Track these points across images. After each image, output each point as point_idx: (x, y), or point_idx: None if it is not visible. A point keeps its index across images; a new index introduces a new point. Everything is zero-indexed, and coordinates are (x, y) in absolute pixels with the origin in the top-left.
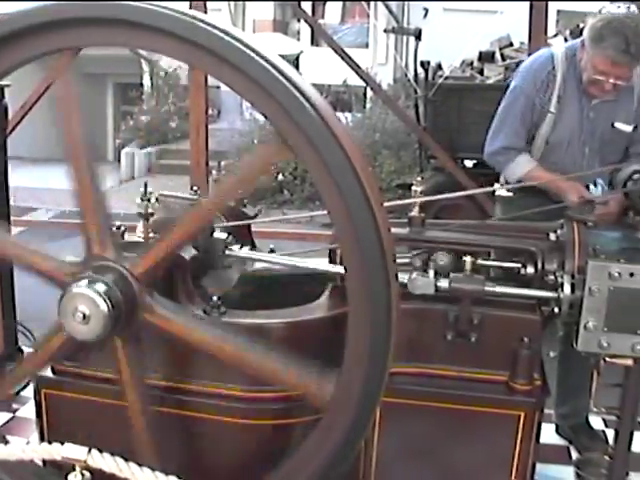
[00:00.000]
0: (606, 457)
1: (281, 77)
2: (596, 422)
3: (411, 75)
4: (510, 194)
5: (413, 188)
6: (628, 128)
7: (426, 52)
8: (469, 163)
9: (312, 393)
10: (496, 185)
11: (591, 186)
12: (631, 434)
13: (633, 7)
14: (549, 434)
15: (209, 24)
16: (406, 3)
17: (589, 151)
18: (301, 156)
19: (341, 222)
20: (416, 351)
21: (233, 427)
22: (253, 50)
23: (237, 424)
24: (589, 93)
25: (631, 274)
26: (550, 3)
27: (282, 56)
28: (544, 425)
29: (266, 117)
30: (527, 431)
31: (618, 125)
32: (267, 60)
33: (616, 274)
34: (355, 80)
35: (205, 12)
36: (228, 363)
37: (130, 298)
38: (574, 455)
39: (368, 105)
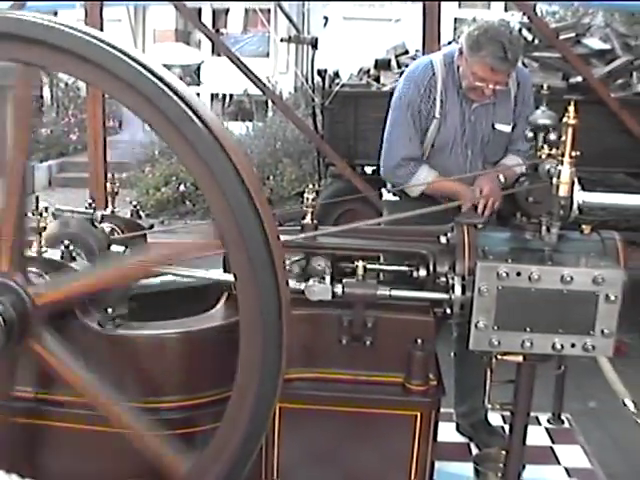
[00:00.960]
0: (504, 452)
1: (167, 89)
2: (495, 419)
3: (309, 83)
4: (396, 198)
5: (305, 196)
6: (507, 128)
7: (326, 60)
8: (369, 169)
9: (167, 465)
10: (383, 190)
11: None
12: (525, 428)
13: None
14: (450, 432)
15: (95, 37)
16: (307, 12)
17: (472, 153)
18: (187, 167)
19: (228, 230)
20: (312, 356)
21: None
22: (135, 60)
23: None
24: (469, 98)
25: (518, 273)
26: (447, 11)
27: (184, 66)
28: (445, 424)
29: (152, 128)
30: (424, 431)
31: (498, 126)
32: (153, 73)
33: (504, 274)
34: (256, 89)
35: (101, 23)
36: (97, 409)
37: (23, 323)
38: (475, 452)
39: (270, 114)
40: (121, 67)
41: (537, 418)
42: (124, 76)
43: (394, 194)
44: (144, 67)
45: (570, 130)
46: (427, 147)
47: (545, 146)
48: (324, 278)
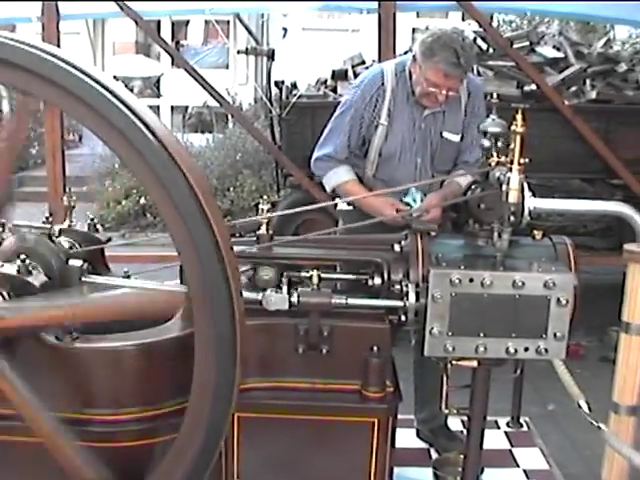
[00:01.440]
0: (462, 456)
1: (119, 103)
2: (455, 424)
3: (267, 95)
4: (350, 207)
5: (260, 207)
6: (456, 137)
7: (285, 71)
8: None
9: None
10: (337, 199)
11: (409, 196)
12: (482, 432)
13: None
14: (411, 438)
15: (46, 52)
16: (266, 23)
17: (421, 162)
18: (141, 181)
19: (181, 241)
20: (269, 366)
21: (94, 452)
22: (86, 74)
23: (98, 448)
24: (421, 104)
25: (471, 280)
26: (405, 21)
27: (144, 78)
28: (406, 430)
29: (105, 142)
30: (382, 436)
31: (446, 135)
32: (104, 86)
33: (457, 280)
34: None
35: (58, 36)
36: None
37: None
38: (434, 456)
39: (230, 125)
40: (69, 79)
41: (496, 422)
42: (73, 89)
43: (348, 203)
44: (90, 77)
45: (518, 138)
46: (375, 157)
47: (495, 154)
48: (281, 288)
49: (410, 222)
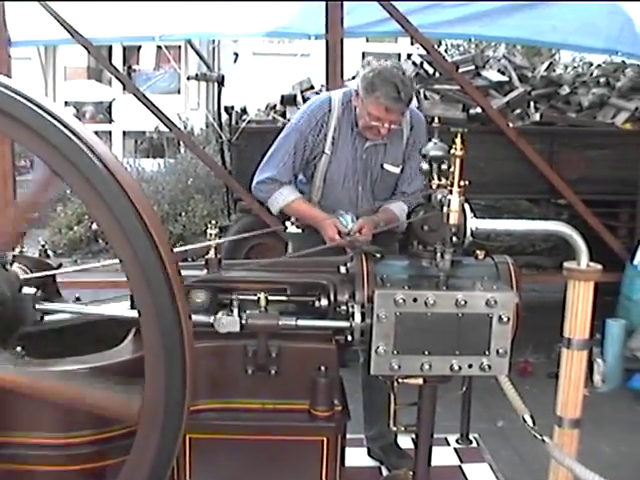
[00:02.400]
0: (411, 472)
1: (64, 128)
2: (405, 442)
3: (217, 120)
4: (299, 230)
5: (208, 232)
6: (396, 170)
7: (236, 96)
8: None
9: (121, 410)
10: (288, 223)
11: (342, 218)
12: (430, 448)
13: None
14: (362, 457)
15: None
16: (217, 48)
17: (362, 190)
18: (87, 205)
19: (130, 267)
20: (219, 387)
21: (45, 476)
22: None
23: (49, 472)
24: (364, 136)
25: (415, 299)
26: (355, 46)
27: (96, 103)
28: (357, 449)
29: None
30: (331, 455)
31: (387, 167)
32: (49, 113)
33: (401, 300)
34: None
35: (9, 62)
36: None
37: None
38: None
39: (182, 150)
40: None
41: (446, 439)
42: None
43: (297, 226)
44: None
45: (458, 161)
46: (320, 183)
47: (436, 176)
48: (232, 310)
49: (353, 244)
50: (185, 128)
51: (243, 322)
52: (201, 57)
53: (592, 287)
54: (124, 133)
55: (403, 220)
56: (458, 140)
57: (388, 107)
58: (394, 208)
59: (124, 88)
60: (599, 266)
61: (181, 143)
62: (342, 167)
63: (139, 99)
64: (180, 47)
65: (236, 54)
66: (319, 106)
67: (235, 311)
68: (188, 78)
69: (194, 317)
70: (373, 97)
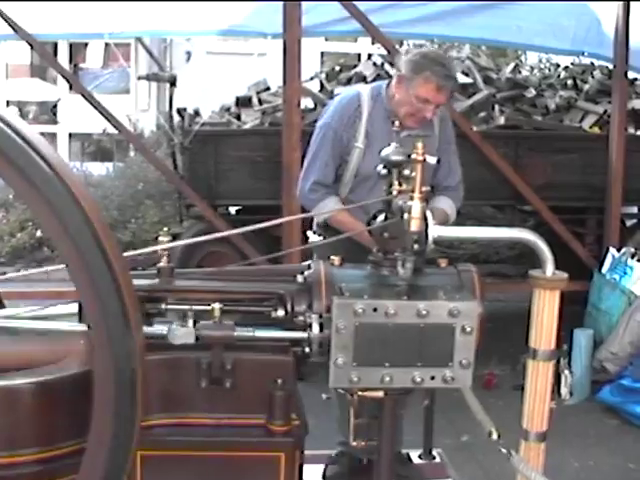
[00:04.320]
0: None
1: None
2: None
3: (168, 122)
4: (320, 238)
5: (160, 239)
6: (432, 160)
7: (188, 97)
8: (234, 209)
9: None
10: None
11: None
12: (391, 463)
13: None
14: (320, 474)
15: None
16: (169, 46)
17: None
18: (33, 211)
19: (77, 276)
20: (172, 401)
21: None
22: None
23: None
24: (398, 127)
25: (374, 309)
26: (313, 45)
27: (40, 103)
28: (316, 466)
29: None
30: (289, 472)
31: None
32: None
33: (360, 310)
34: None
35: None
36: None
37: None
38: None
39: (131, 154)
40: None
41: (408, 455)
42: None
43: (319, 234)
44: None
45: (419, 166)
46: (350, 178)
47: (396, 182)
48: (187, 321)
49: None
50: (135, 130)
51: (197, 333)
52: (152, 56)
53: (558, 296)
54: (70, 135)
55: (454, 218)
56: (419, 144)
57: (439, 85)
58: (444, 206)
59: (70, 87)
60: (565, 274)
61: (131, 146)
62: (376, 160)
63: (86, 99)
64: (130, 45)
65: (189, 53)
66: (349, 101)
67: (190, 322)
68: (138, 78)
69: (145, 328)
70: (422, 77)
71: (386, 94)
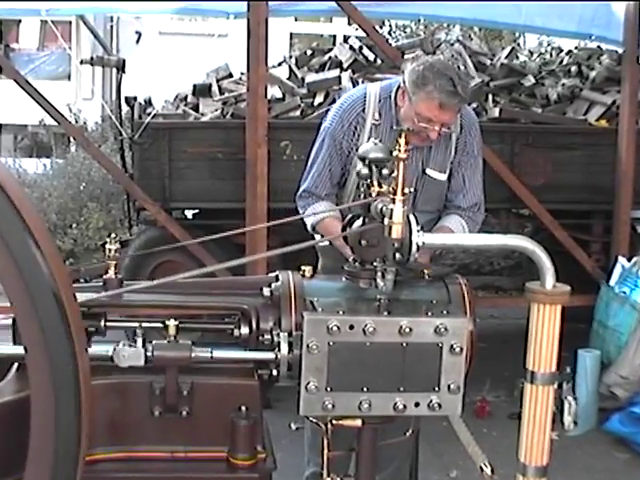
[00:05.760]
0: None
1: None
2: None
3: (115, 113)
4: (326, 243)
5: (107, 247)
6: (441, 177)
7: (139, 85)
8: (190, 213)
9: None
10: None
11: None
12: None
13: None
14: None
15: None
16: (115, 26)
17: None
18: None
19: (12, 289)
20: (120, 432)
21: None
22: None
23: None
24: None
25: (351, 327)
26: (281, 26)
27: None
28: None
29: None
30: None
31: (430, 172)
32: None
33: (335, 328)
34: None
35: None
36: None
37: None
38: None
39: (72, 149)
40: None
41: None
42: None
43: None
44: None
45: (401, 164)
46: (352, 189)
47: (376, 182)
48: (135, 341)
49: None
50: (77, 122)
51: (148, 354)
52: (96, 36)
53: (559, 311)
54: (0, 126)
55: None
56: (402, 140)
57: (442, 103)
58: (452, 225)
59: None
60: (567, 287)
61: (72, 140)
62: None
63: (20, 85)
64: (71, 23)
65: (139, 34)
66: (351, 105)
67: (139, 341)
68: (81, 62)
69: (91, 349)
70: (424, 92)
71: (395, 99)
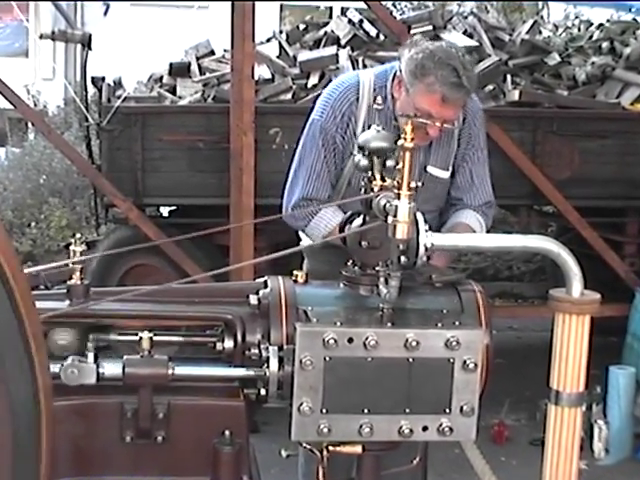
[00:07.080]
0: None
1: None
2: None
3: (80, 96)
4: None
5: (72, 248)
6: (444, 174)
7: (106, 63)
8: (166, 210)
9: None
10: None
11: None
12: None
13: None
14: None
15: None
16: None
17: None
18: None
19: None
20: (86, 460)
21: None
22: None
23: None
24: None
25: (350, 340)
26: None
27: None
28: None
29: None
30: None
31: (431, 170)
32: None
33: (331, 341)
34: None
35: None
36: None
37: None
38: None
39: (31, 137)
40: None
41: None
42: None
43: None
44: None
45: (408, 155)
46: (342, 185)
47: (378, 175)
48: (86, 356)
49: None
50: (36, 105)
51: (109, 371)
52: (58, 7)
53: (588, 323)
54: None
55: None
56: (408, 128)
57: (445, 97)
58: (470, 222)
59: None
60: (597, 295)
61: (30, 126)
62: None
63: None
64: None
65: (107, 5)
66: (343, 94)
67: (90, 355)
68: (40, 36)
69: (53, 366)
70: (424, 84)
71: (391, 88)
